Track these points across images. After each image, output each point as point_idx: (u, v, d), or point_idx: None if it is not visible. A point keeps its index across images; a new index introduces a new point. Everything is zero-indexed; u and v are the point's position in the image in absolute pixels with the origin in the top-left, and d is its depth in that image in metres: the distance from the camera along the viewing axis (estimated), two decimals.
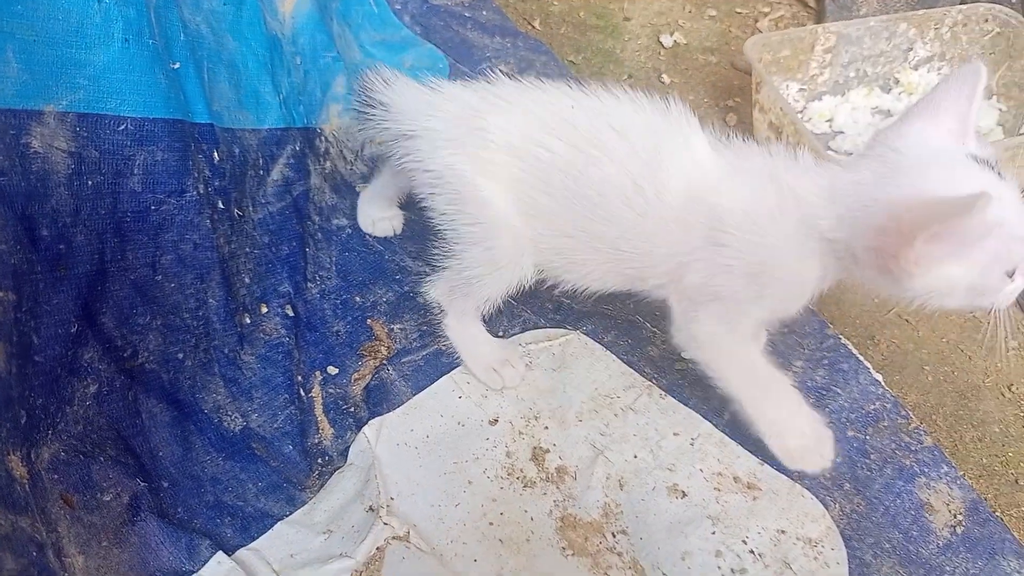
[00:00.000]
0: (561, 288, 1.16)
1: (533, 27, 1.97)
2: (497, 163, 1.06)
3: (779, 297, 1.02)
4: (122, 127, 0.96)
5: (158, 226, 1.05)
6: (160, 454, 1.03)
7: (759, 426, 1.11)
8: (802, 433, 1.10)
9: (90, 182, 0.95)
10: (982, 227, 0.81)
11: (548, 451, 1.16)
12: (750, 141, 1.04)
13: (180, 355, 1.09)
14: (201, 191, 1.09)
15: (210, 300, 1.13)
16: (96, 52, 0.93)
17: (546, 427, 1.19)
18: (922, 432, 1.17)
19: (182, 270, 1.09)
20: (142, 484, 0.98)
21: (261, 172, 1.28)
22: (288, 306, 1.27)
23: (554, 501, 1.11)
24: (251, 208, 1.24)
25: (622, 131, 1.01)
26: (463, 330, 1.23)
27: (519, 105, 1.06)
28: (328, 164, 1.46)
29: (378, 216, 1.39)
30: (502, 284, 1.13)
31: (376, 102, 1.13)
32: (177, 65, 1.05)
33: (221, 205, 1.15)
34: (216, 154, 1.14)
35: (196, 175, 1.08)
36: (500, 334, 1.29)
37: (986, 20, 1.67)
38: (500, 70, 1.13)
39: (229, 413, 1.13)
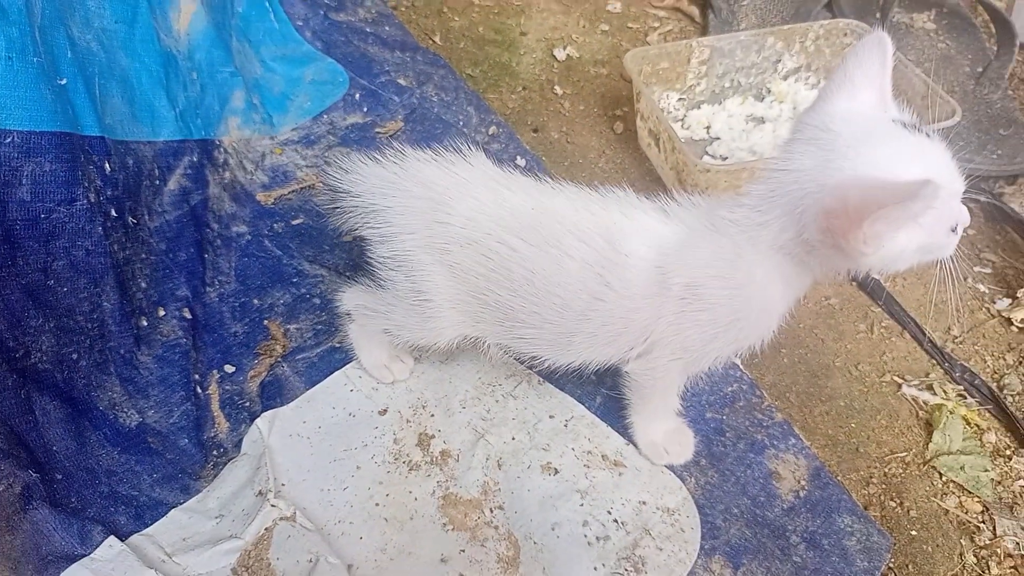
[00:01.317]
0: (540, 368, 1.17)
1: (434, 42, 2.06)
2: (459, 254, 1.06)
3: (754, 334, 1.04)
4: (8, 140, 1.02)
5: (49, 233, 1.10)
6: (54, 448, 1.08)
7: (635, 428, 1.22)
8: (668, 434, 1.22)
9: None
10: (927, 206, 0.81)
11: (433, 436, 1.24)
12: (694, 196, 1.05)
13: (74, 355, 1.15)
14: (92, 200, 1.15)
15: (104, 303, 1.18)
16: None
17: (432, 415, 1.27)
18: (773, 409, 1.29)
19: (75, 275, 1.14)
20: (35, 475, 1.02)
21: (157, 182, 1.34)
22: (186, 309, 1.33)
23: (437, 482, 1.19)
24: (147, 216, 1.30)
25: (578, 233, 1.02)
26: (364, 335, 1.28)
27: (484, 199, 1.05)
28: (227, 174, 1.52)
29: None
30: (419, 341, 1.18)
31: (343, 192, 1.12)
32: (64, 81, 1.11)
33: (114, 213, 1.21)
34: (108, 165, 1.20)
35: (87, 185, 1.14)
36: None
37: (845, 34, 1.82)
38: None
39: (125, 410, 1.19)
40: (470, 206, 1.05)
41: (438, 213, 1.06)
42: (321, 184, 1.17)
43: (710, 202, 1.04)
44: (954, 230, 0.91)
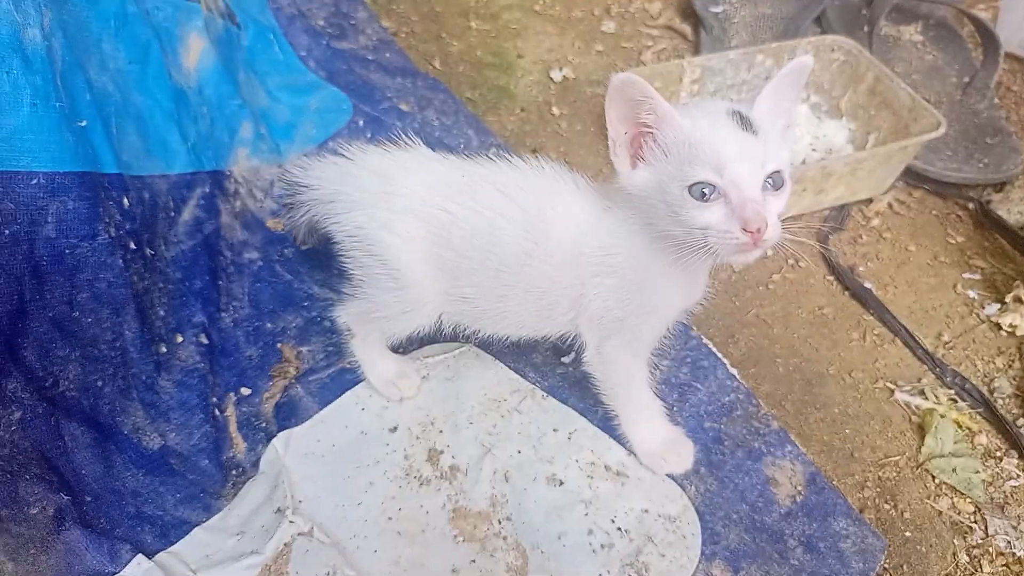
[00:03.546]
0: (479, 336, 1.27)
1: (433, 67, 2.11)
2: (404, 222, 1.16)
3: (673, 297, 1.13)
4: (34, 181, 1.07)
5: (73, 268, 1.15)
6: (83, 472, 1.14)
7: (631, 439, 1.27)
8: (666, 444, 1.26)
9: (7, 231, 1.06)
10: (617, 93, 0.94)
11: (442, 452, 1.29)
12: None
13: (99, 383, 1.20)
14: (113, 234, 1.21)
15: (126, 332, 1.24)
16: (7, 117, 1.03)
17: (440, 431, 1.32)
18: (770, 417, 1.33)
19: (98, 306, 1.19)
20: (66, 498, 1.08)
21: (172, 214, 1.39)
22: (203, 335, 1.39)
23: (447, 495, 1.24)
24: (163, 247, 1.36)
25: (508, 194, 1.12)
26: (368, 349, 1.35)
27: (420, 173, 1.17)
28: (238, 203, 1.58)
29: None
30: (407, 326, 1.26)
31: (299, 186, 1.27)
32: (84, 123, 1.17)
33: (133, 245, 1.26)
34: (126, 200, 1.26)
35: (107, 220, 1.20)
36: (400, 350, 1.42)
37: (832, 50, 1.87)
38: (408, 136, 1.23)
39: (148, 433, 1.24)
40: (407, 180, 1.17)
41: (383, 187, 1.17)
42: (283, 184, 1.30)
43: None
44: (699, 196, 0.93)
